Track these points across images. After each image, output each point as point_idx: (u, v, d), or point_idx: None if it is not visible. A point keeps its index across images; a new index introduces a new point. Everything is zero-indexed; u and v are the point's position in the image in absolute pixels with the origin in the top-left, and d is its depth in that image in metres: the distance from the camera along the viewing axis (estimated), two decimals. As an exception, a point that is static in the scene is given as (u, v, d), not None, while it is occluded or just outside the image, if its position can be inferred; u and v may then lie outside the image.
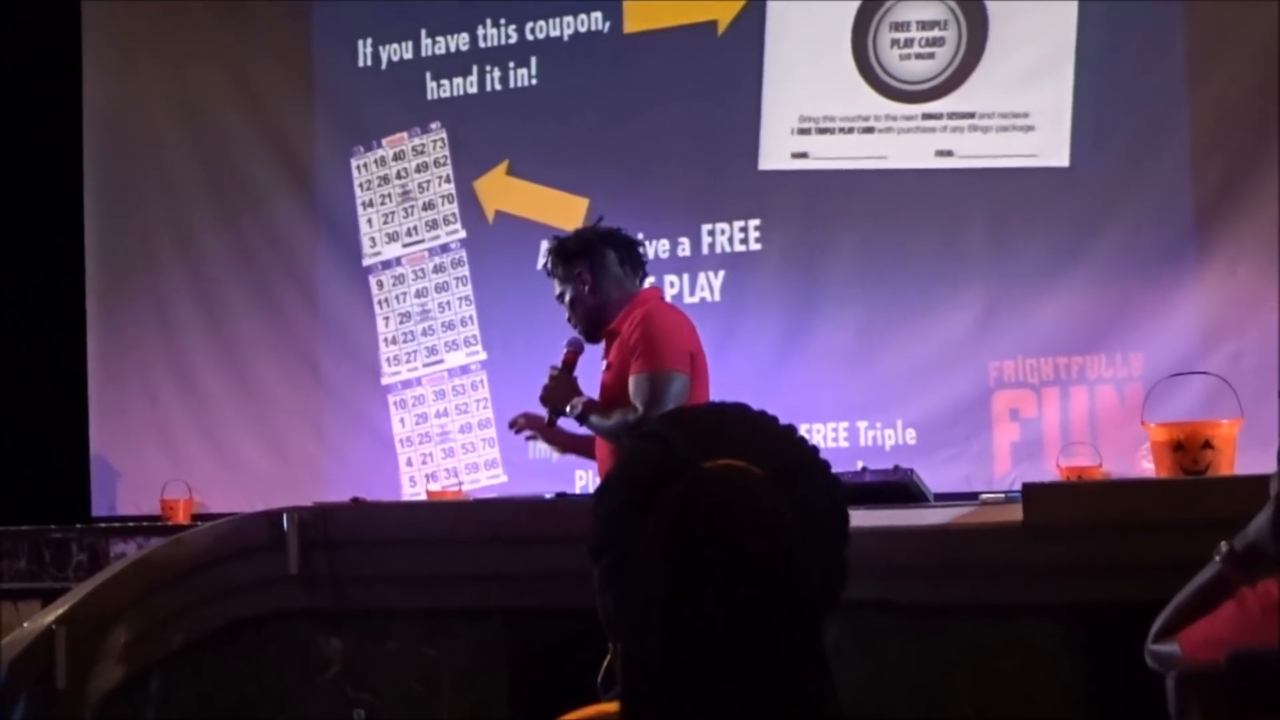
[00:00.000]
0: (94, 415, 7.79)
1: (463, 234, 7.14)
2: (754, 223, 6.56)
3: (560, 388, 4.62)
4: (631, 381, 4.41)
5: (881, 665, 4.00)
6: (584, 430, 4.68)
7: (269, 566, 4.56)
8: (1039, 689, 3.94)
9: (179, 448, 7.54)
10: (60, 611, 4.46)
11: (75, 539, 6.62)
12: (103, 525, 7.02)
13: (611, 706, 1.34)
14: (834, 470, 1.39)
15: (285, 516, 4.51)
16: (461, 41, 7.15)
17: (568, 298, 4.72)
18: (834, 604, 1.35)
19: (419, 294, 7.19)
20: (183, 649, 4.63)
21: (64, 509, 7.26)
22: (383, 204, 7.30)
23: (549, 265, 4.79)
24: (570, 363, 4.71)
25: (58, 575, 6.47)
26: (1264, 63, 5.79)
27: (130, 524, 6.94)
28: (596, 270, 4.67)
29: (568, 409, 4.55)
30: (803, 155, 6.52)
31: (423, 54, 7.24)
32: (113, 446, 7.75)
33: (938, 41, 6.32)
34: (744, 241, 6.52)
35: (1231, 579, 2.93)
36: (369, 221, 7.32)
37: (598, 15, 6.90)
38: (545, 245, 4.90)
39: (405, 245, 7.24)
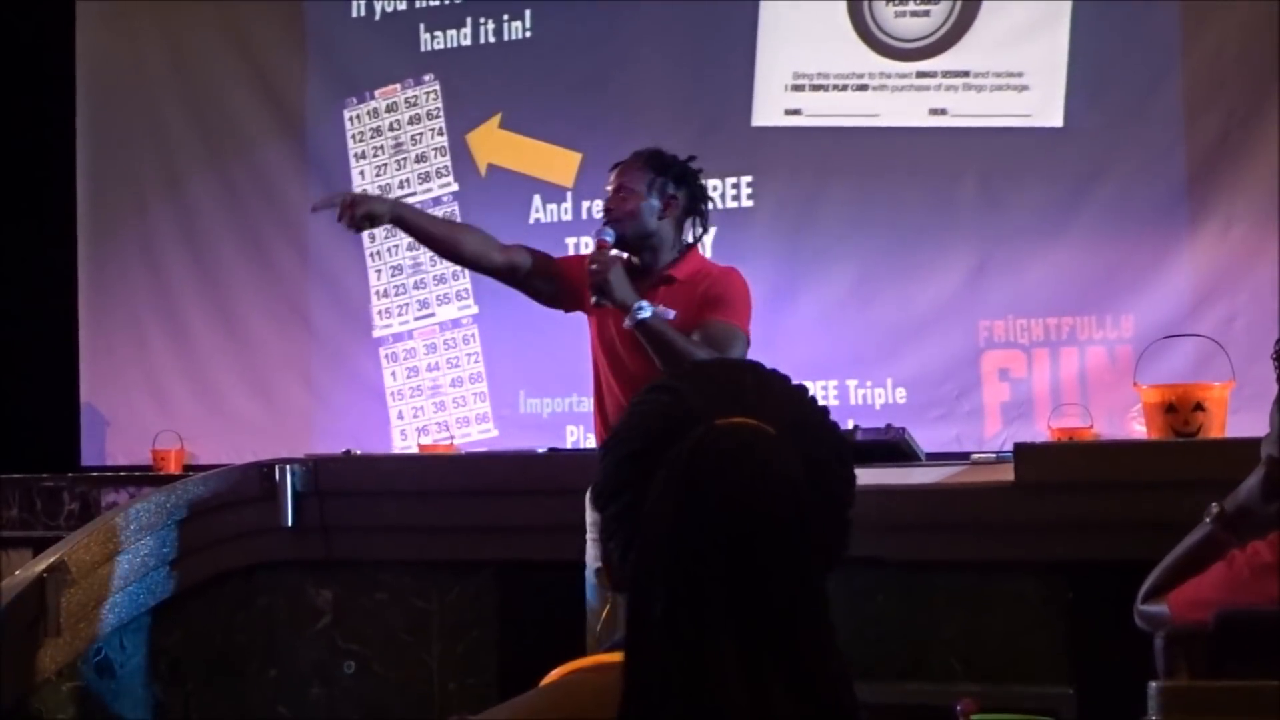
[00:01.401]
0: (84, 363, 7.78)
1: (455, 187, 7.13)
2: (746, 179, 6.55)
3: (620, 272, 4.12)
4: (712, 324, 4.11)
5: (869, 618, 4.03)
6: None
7: (260, 517, 4.58)
8: (1025, 644, 3.97)
9: (169, 397, 7.54)
10: (52, 560, 4.48)
11: (67, 488, 6.63)
12: (95, 474, 7.02)
13: (613, 657, 1.34)
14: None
15: (278, 468, 4.52)
16: (455, -8, 7.12)
17: (633, 207, 4.29)
18: (837, 563, 1.36)
19: (411, 247, 7.14)
20: (174, 598, 4.66)
21: (52, 457, 7.25)
22: (375, 156, 7.28)
23: (638, 165, 4.37)
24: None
25: (49, 524, 6.48)
26: (1259, 21, 5.78)
27: (122, 473, 6.95)
28: (684, 205, 4.35)
29: (635, 305, 4.03)
30: (796, 112, 6.51)
31: (416, 5, 7.19)
32: (102, 395, 7.74)
33: (933, -1, 6.30)
34: (736, 198, 6.52)
35: (1221, 540, 2.96)
36: (361, 173, 7.31)
37: (593, -33, 6.88)
38: (647, 149, 4.41)
39: (397, 198, 7.22)
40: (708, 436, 1.29)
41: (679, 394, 1.36)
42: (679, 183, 4.34)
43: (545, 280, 4.45)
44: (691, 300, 4.19)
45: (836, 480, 1.36)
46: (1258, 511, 2.92)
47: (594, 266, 4.11)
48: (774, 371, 1.41)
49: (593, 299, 4.13)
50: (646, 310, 4.02)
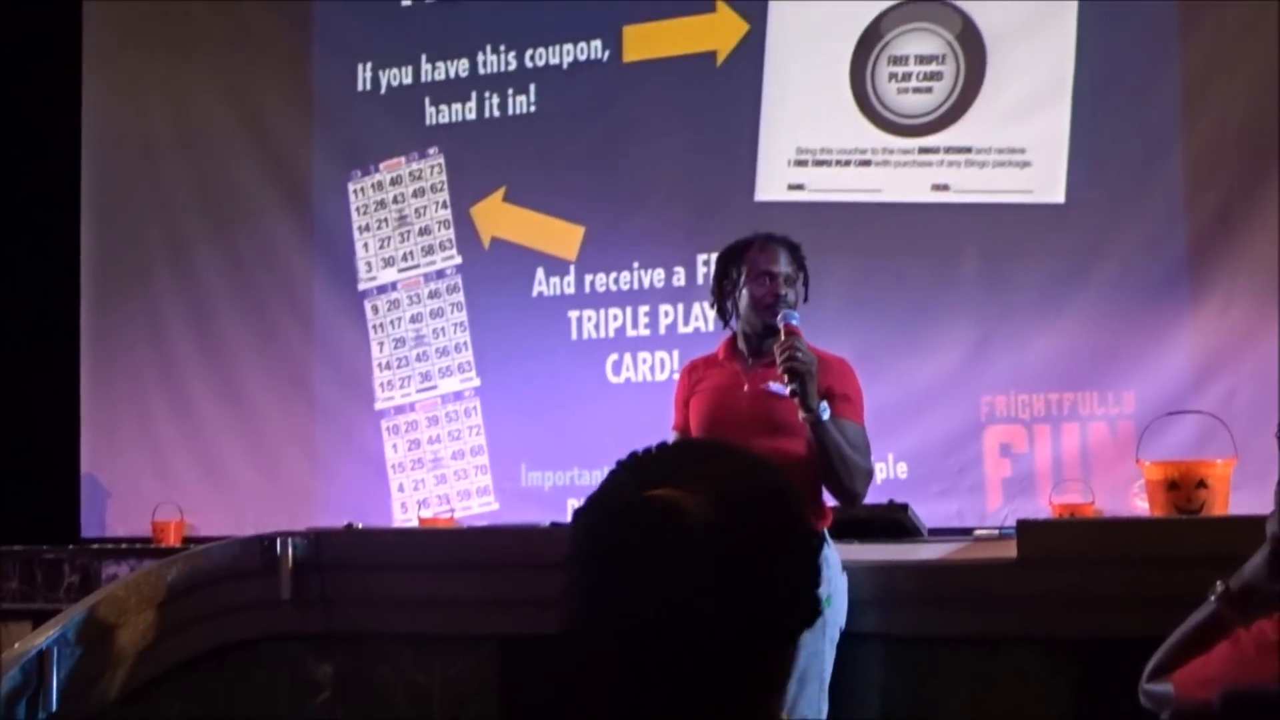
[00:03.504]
0: (85, 434, 7.77)
1: (458, 260, 7.15)
2: (749, 253, 6.56)
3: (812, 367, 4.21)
4: (850, 426, 4.25)
5: (873, 693, 4.01)
6: None
7: (261, 590, 4.56)
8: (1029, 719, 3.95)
9: (170, 469, 7.53)
10: (52, 633, 4.46)
11: (67, 560, 6.61)
12: (95, 547, 7.00)
13: None
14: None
15: (278, 541, 4.51)
16: (461, 67, 7.16)
17: (795, 296, 4.40)
18: (764, 637, 1.34)
19: (414, 319, 7.20)
20: (174, 671, 4.63)
21: (53, 528, 7.24)
22: (379, 228, 7.31)
23: (789, 254, 4.45)
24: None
25: (49, 596, 6.46)
26: (1258, 98, 5.82)
27: (123, 546, 6.93)
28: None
29: (819, 404, 4.16)
30: (799, 187, 6.54)
31: (422, 79, 7.25)
32: (104, 466, 7.73)
33: (935, 76, 6.34)
34: (738, 272, 6.53)
35: (1226, 618, 2.94)
36: (365, 246, 7.33)
37: (597, 44, 6.92)
38: (784, 237, 4.47)
39: (401, 270, 7.25)
40: (624, 507, 1.34)
41: (623, 468, 1.40)
42: (801, 278, 4.46)
43: None
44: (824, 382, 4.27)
45: (762, 554, 1.34)
46: (1263, 589, 2.90)
47: (800, 355, 4.15)
48: (740, 449, 1.43)
49: (789, 386, 4.15)
50: (827, 411, 4.15)
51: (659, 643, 1.29)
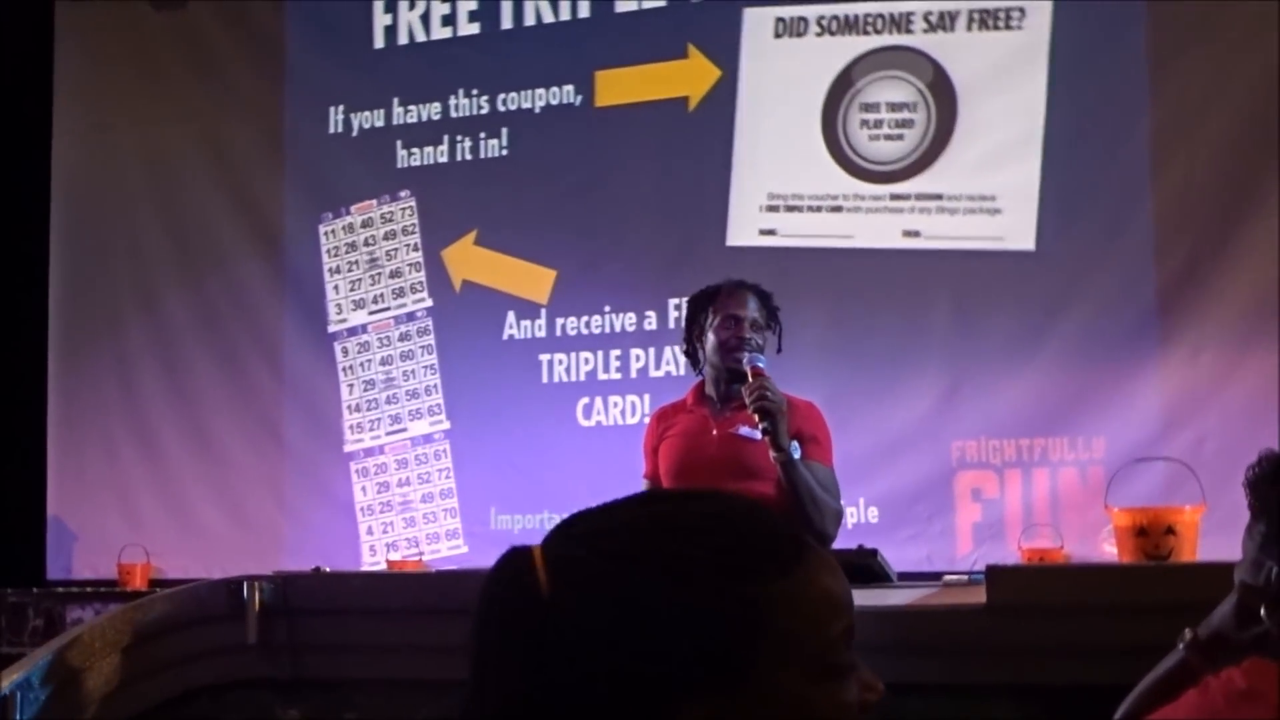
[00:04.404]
0: (52, 476, 7.73)
1: (429, 302, 7.14)
2: (720, 298, 6.57)
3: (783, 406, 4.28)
4: (820, 469, 4.34)
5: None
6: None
7: (227, 635, 4.53)
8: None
9: (138, 511, 7.49)
10: (16, 677, 4.42)
11: (32, 604, 6.57)
12: (60, 590, 6.96)
13: None
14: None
15: (245, 585, 4.48)
16: (433, 111, 7.17)
17: (763, 341, 4.47)
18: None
19: (384, 361, 7.18)
20: (140, 716, 4.59)
21: (17, 571, 7.19)
22: (350, 271, 7.30)
23: (757, 300, 4.54)
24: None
25: (13, 640, 6.42)
26: (1228, 147, 5.85)
27: (88, 589, 6.89)
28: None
29: (789, 443, 4.24)
30: (771, 232, 6.55)
31: (394, 122, 7.26)
32: (70, 508, 7.69)
33: (907, 123, 6.36)
34: (710, 316, 6.53)
35: (1195, 666, 2.93)
36: (335, 288, 7.32)
37: (569, 88, 6.93)
38: (754, 284, 4.58)
39: (371, 313, 7.24)
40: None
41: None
42: (773, 326, 4.48)
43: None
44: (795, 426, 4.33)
45: (601, 618, 1.26)
46: (1231, 637, 2.89)
47: (769, 394, 4.19)
48: (657, 511, 1.34)
49: (761, 425, 4.20)
50: (798, 451, 4.23)
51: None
